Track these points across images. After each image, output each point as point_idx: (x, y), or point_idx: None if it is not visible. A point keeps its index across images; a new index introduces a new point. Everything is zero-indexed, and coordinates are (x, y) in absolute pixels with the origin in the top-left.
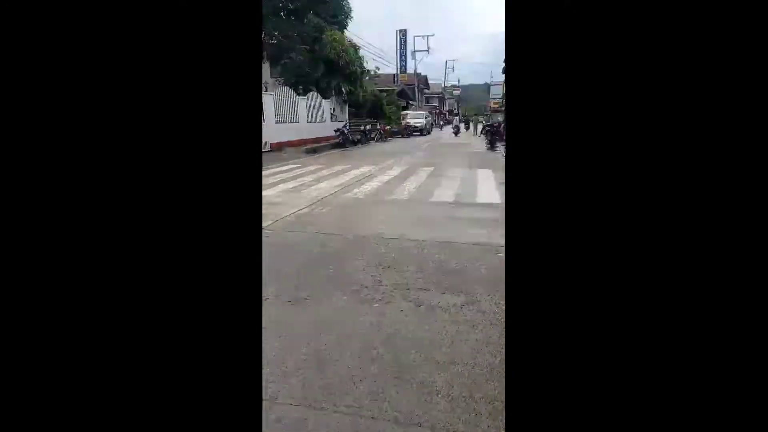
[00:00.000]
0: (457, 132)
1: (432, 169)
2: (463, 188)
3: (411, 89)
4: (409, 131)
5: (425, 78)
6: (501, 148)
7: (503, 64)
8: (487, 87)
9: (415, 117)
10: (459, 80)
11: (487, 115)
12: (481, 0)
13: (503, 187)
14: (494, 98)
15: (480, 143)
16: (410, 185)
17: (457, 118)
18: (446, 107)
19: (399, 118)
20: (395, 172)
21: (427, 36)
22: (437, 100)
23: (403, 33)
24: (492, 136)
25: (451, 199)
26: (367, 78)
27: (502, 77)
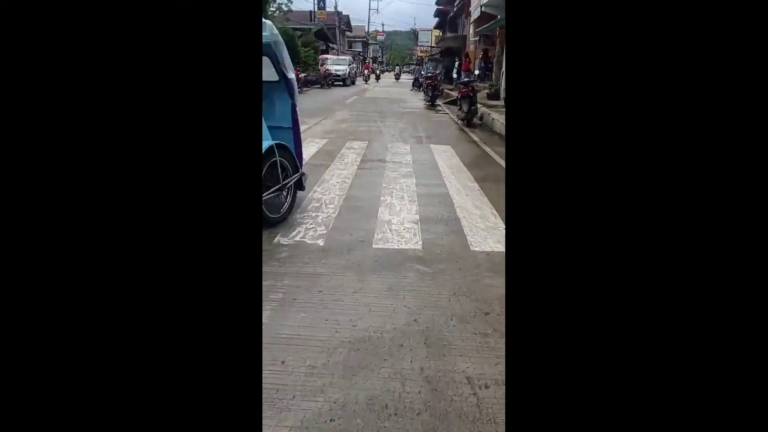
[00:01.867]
0: (398, 77)
1: (364, 145)
2: (429, 204)
3: (332, 31)
4: (330, 80)
5: (347, 18)
6: (442, 105)
7: (435, 10)
8: (412, 34)
9: (336, 63)
10: (383, 25)
11: (415, 64)
12: None
13: (485, 188)
14: (422, 45)
15: (415, 98)
16: (330, 192)
17: (398, 67)
18: (370, 53)
19: (317, 64)
20: (308, 151)
21: None
22: (360, 44)
23: None
24: (433, 90)
25: (415, 244)
26: (276, 11)
27: (429, 24)
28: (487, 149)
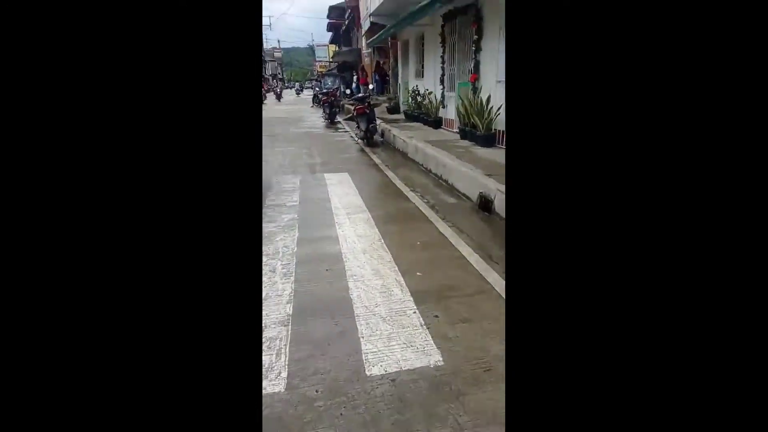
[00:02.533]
0: (299, 92)
1: None
2: (311, 278)
3: None
4: None
5: None
6: (343, 123)
7: (327, 24)
8: (311, 49)
9: None
10: (279, 42)
11: (315, 79)
12: None
13: (388, 235)
14: (320, 60)
15: (315, 116)
16: None
17: (298, 84)
18: (269, 71)
19: None
20: None
21: None
22: None
23: None
24: (331, 107)
25: (274, 380)
26: None
27: (325, 39)
28: (390, 174)
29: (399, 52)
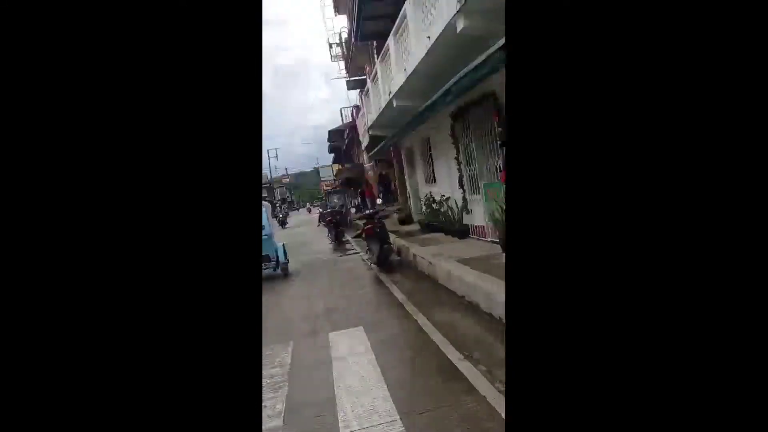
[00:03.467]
0: (310, 211)
1: None
2: None
3: None
4: None
5: None
6: (351, 241)
7: (328, 146)
8: (316, 171)
9: None
10: (287, 169)
11: (321, 198)
12: (300, 97)
13: None
14: (325, 180)
15: (322, 236)
16: None
17: (308, 203)
18: (278, 196)
19: None
20: None
21: None
22: (266, 190)
23: None
24: (336, 227)
25: None
26: None
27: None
28: (422, 321)
29: (404, 160)
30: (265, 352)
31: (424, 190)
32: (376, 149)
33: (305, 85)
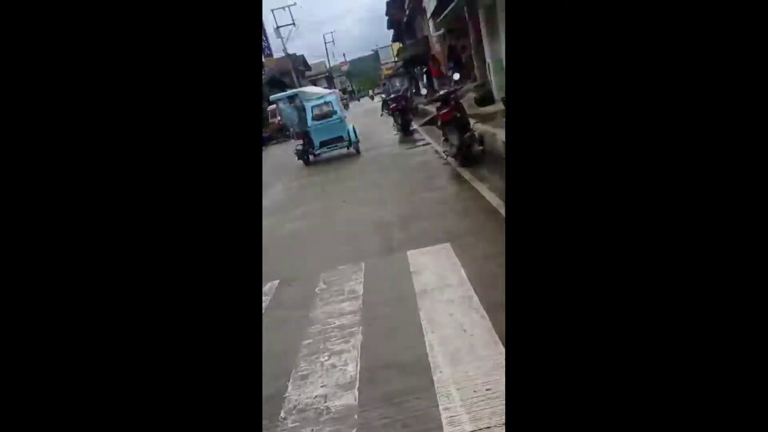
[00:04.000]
0: (372, 98)
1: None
2: None
3: (288, 77)
4: (287, 133)
5: (302, 58)
6: (420, 131)
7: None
8: (375, 55)
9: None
10: (345, 55)
11: (383, 84)
12: None
13: None
14: (385, 63)
15: (386, 127)
16: None
17: (371, 90)
18: (338, 86)
19: (269, 117)
20: None
21: (288, 6)
22: (325, 80)
23: None
24: (403, 114)
25: None
26: None
27: (388, 40)
28: None
29: (483, 23)
30: (330, 277)
31: None
32: (446, 11)
33: None
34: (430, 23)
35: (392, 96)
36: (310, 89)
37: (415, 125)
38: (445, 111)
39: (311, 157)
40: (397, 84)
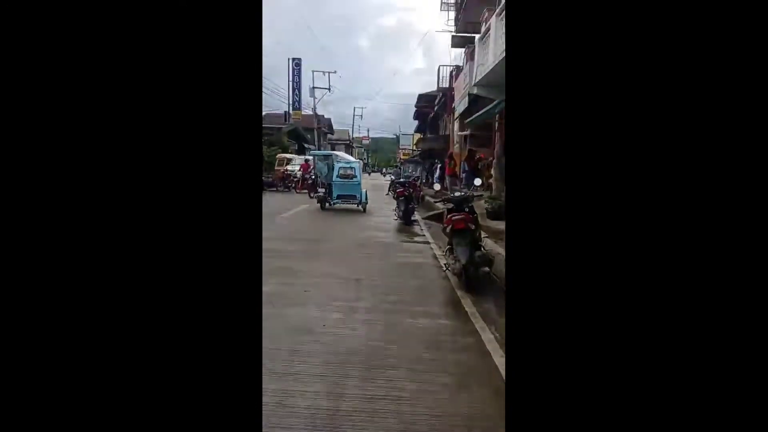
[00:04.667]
0: (384, 174)
1: None
2: None
3: (310, 133)
4: (290, 183)
5: (328, 121)
6: (421, 223)
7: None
8: (396, 139)
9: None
10: (368, 130)
11: (397, 166)
12: (394, 61)
13: None
14: (403, 149)
15: (389, 208)
16: None
17: (385, 168)
18: (356, 156)
19: (276, 163)
20: None
21: (329, 72)
22: (344, 147)
23: (297, 63)
24: (407, 202)
25: None
26: None
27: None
28: None
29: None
30: None
31: None
32: (475, 116)
33: (404, 50)
34: (456, 123)
35: (401, 180)
36: (342, 154)
37: (417, 215)
38: (458, 218)
39: (327, 204)
40: (410, 170)
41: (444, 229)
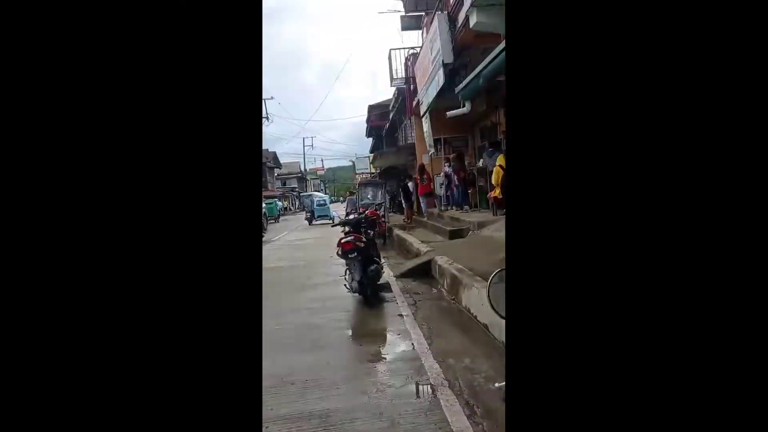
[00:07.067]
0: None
1: None
2: None
3: None
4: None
5: (273, 155)
6: (398, 302)
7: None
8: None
9: None
10: (323, 161)
11: (350, 192)
12: (345, 91)
13: None
14: (360, 173)
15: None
16: None
17: (342, 197)
18: (310, 188)
19: None
20: None
21: (264, 99)
22: (296, 180)
23: None
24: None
25: None
26: None
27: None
28: None
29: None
30: None
31: None
32: (464, 84)
33: (348, 81)
34: (425, 123)
35: (352, 217)
36: (317, 194)
37: (391, 274)
38: (346, 240)
39: (312, 222)
40: (369, 195)
41: (337, 253)
